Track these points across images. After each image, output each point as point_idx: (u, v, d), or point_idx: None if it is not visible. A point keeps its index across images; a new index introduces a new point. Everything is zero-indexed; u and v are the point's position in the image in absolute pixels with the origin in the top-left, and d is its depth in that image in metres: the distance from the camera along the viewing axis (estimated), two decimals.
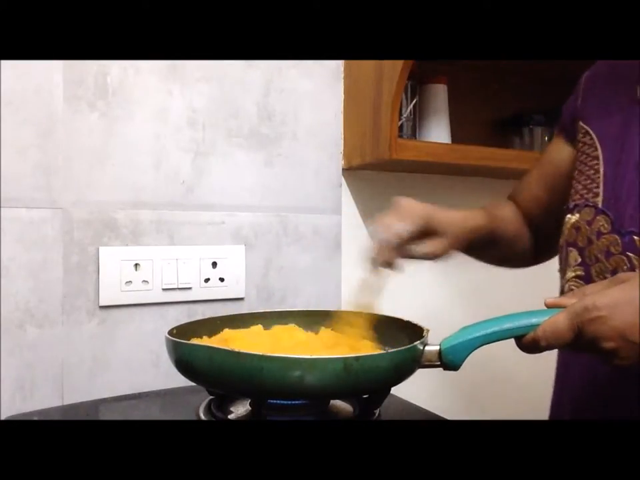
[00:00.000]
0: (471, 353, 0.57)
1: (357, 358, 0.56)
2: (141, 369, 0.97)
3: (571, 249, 0.65)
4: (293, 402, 0.68)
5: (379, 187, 1.18)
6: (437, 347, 0.58)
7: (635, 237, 0.58)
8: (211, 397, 0.71)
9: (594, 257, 0.62)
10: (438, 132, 1.16)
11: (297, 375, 0.54)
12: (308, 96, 1.10)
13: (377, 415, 0.68)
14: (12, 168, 0.87)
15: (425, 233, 0.64)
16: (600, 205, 0.63)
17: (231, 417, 0.69)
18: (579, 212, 0.65)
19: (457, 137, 1.19)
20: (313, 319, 0.77)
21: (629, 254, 0.58)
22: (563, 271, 0.69)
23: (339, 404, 0.73)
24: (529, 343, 0.54)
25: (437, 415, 0.77)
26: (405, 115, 1.14)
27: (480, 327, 0.57)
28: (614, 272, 0.59)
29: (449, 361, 0.58)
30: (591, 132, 0.68)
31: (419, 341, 0.59)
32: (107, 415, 0.83)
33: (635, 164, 0.61)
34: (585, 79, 0.74)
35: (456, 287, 1.23)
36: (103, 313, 0.94)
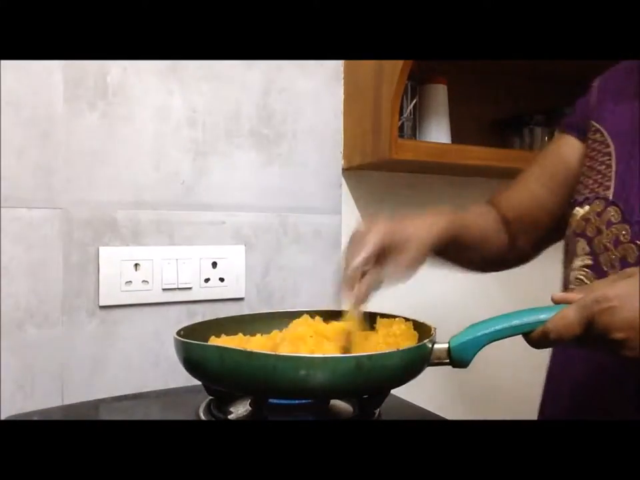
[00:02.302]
0: (479, 350, 0.57)
1: (369, 356, 0.56)
2: (141, 369, 0.97)
3: (578, 239, 0.67)
4: (294, 402, 0.68)
5: (379, 187, 1.18)
6: (446, 345, 0.58)
7: None
8: (211, 397, 0.71)
9: (602, 245, 0.64)
10: (438, 132, 1.16)
11: (310, 374, 0.54)
12: (308, 96, 1.10)
13: (377, 414, 0.68)
14: (12, 168, 0.87)
15: (389, 251, 0.63)
16: (611, 197, 0.65)
17: (230, 417, 0.69)
18: (589, 204, 0.67)
19: (456, 137, 1.19)
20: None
21: (638, 242, 0.61)
22: (569, 261, 0.70)
23: (339, 404, 0.73)
24: (538, 337, 0.54)
25: (437, 415, 0.77)
26: (404, 115, 1.14)
27: (488, 323, 0.57)
28: (622, 260, 0.62)
29: (458, 358, 0.58)
30: (602, 129, 0.70)
31: (427, 339, 0.59)
32: (106, 415, 0.83)
33: None
34: (600, 80, 0.76)
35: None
36: (103, 313, 0.94)
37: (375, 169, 1.15)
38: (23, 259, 0.88)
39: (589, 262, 0.66)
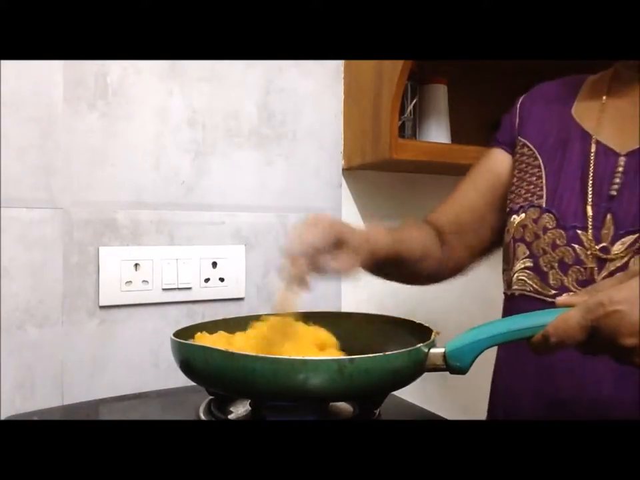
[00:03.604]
0: (478, 355, 0.55)
1: (351, 360, 0.54)
2: (141, 369, 0.97)
3: (518, 244, 0.72)
4: (289, 403, 0.68)
5: (379, 187, 1.18)
6: (442, 350, 0.56)
7: (578, 231, 0.67)
8: (211, 397, 0.71)
9: (541, 249, 0.69)
10: (438, 132, 1.16)
11: (289, 376, 0.53)
12: (308, 96, 1.10)
13: (376, 414, 0.68)
14: (12, 168, 0.87)
15: (335, 246, 0.64)
16: (544, 206, 0.70)
17: (230, 417, 0.69)
18: (524, 212, 0.72)
19: (456, 137, 1.19)
20: (331, 320, 0.75)
21: (574, 245, 0.67)
22: (509, 265, 0.74)
23: (339, 404, 0.73)
24: (539, 342, 0.52)
25: (437, 415, 0.77)
26: (405, 115, 1.14)
27: (487, 328, 0.55)
28: (560, 261, 0.67)
29: (455, 364, 0.56)
30: (530, 144, 0.76)
31: (422, 344, 0.57)
32: (106, 415, 0.83)
33: (574, 173, 0.69)
34: (521, 101, 0.82)
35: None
36: (103, 313, 0.94)
37: (375, 169, 1.15)
38: (23, 259, 0.88)
39: (530, 264, 0.70)
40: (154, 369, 0.98)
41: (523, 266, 0.71)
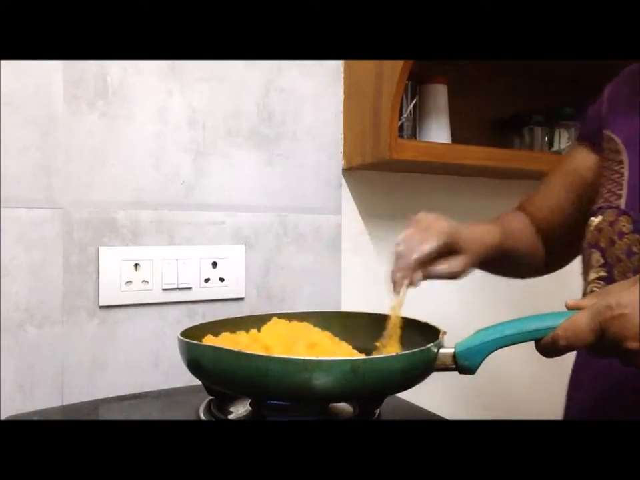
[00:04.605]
0: (487, 356, 0.56)
1: (364, 360, 0.55)
2: (141, 369, 0.97)
3: (593, 250, 0.65)
4: (298, 402, 0.68)
5: (379, 187, 1.18)
6: (452, 350, 0.57)
7: None
8: (211, 397, 0.71)
9: (616, 257, 0.62)
10: (438, 132, 1.16)
11: (302, 376, 0.53)
12: (308, 96, 1.10)
13: (377, 415, 0.68)
14: (12, 168, 0.87)
15: (447, 250, 0.63)
16: (623, 207, 0.63)
17: (231, 417, 0.69)
18: (602, 214, 0.65)
19: (456, 137, 1.19)
20: (335, 320, 0.75)
21: None
22: (585, 273, 0.68)
23: (339, 404, 0.73)
24: (548, 344, 0.52)
25: (437, 415, 0.77)
26: (405, 115, 1.14)
27: (496, 329, 0.56)
28: (636, 271, 0.59)
29: (464, 364, 0.56)
30: (615, 138, 0.69)
31: (432, 344, 0.57)
32: (106, 414, 0.83)
33: None
34: (609, 88, 0.75)
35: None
36: (103, 313, 0.94)
37: (375, 169, 1.15)
38: (23, 259, 0.88)
39: (604, 274, 0.64)
40: (154, 368, 0.98)
41: (596, 276, 0.65)
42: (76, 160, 0.92)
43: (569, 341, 0.50)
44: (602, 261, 0.64)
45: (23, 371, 0.89)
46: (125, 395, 0.88)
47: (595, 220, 0.66)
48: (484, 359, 0.56)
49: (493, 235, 0.69)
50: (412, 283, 0.62)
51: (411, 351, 0.57)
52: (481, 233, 0.68)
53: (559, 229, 0.78)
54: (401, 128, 1.11)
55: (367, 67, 1.06)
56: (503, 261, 0.73)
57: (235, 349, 0.57)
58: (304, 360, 0.54)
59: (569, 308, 0.53)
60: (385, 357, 0.56)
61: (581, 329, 0.49)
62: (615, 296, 0.49)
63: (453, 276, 0.64)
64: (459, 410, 1.25)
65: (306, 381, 0.53)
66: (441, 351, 0.58)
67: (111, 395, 0.88)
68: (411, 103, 1.14)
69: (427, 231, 0.63)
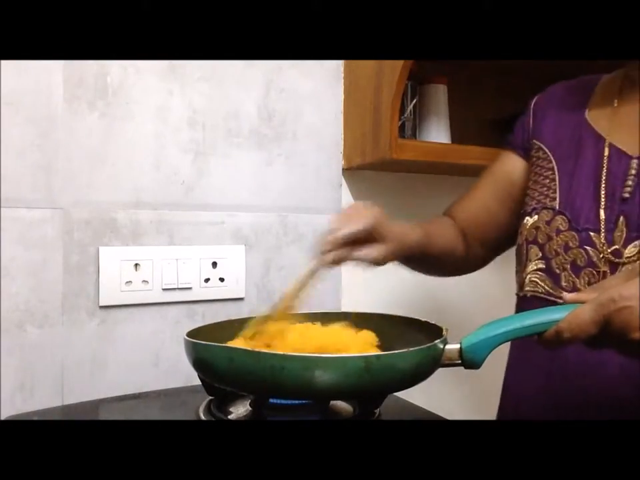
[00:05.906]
0: (492, 350, 0.57)
1: (378, 356, 0.56)
2: (141, 368, 0.97)
3: (531, 245, 0.73)
4: (294, 402, 0.68)
5: (379, 187, 1.18)
6: (458, 346, 0.58)
7: (591, 233, 0.67)
8: (211, 397, 0.71)
9: (554, 251, 0.70)
10: (438, 132, 1.16)
11: (318, 374, 0.54)
12: (308, 96, 1.10)
13: (377, 414, 0.68)
14: (12, 168, 0.87)
15: (371, 237, 0.67)
16: (557, 208, 0.71)
17: (231, 417, 0.69)
18: (537, 214, 0.73)
19: (456, 137, 1.19)
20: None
21: (586, 247, 0.67)
22: (522, 266, 0.75)
23: (339, 404, 0.73)
24: (551, 337, 0.54)
25: (437, 415, 0.77)
26: (405, 115, 1.14)
27: (500, 324, 0.57)
28: (573, 263, 0.68)
29: (470, 359, 0.57)
30: (544, 147, 0.77)
31: (439, 340, 0.59)
32: (106, 415, 0.83)
33: (588, 176, 0.70)
34: (535, 102, 0.83)
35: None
36: (103, 313, 0.94)
37: (375, 169, 1.15)
38: (23, 259, 0.88)
39: (542, 265, 0.71)
40: (154, 369, 0.98)
41: (535, 267, 0.72)
42: (76, 160, 0.92)
43: (573, 333, 0.52)
44: (540, 254, 0.72)
45: (22, 371, 0.89)
46: (125, 395, 0.88)
47: (531, 219, 0.74)
48: (489, 354, 0.57)
49: (415, 232, 0.74)
50: (334, 261, 0.66)
51: (419, 347, 0.58)
52: (405, 228, 0.73)
53: (483, 227, 0.85)
54: (401, 128, 1.11)
55: (367, 66, 1.06)
56: (424, 259, 0.79)
57: (251, 349, 0.57)
58: (318, 357, 0.55)
59: (567, 302, 0.55)
60: (398, 352, 0.57)
61: (584, 322, 0.51)
62: (616, 289, 0.51)
63: (372, 262, 0.68)
64: (459, 410, 1.25)
65: (320, 378, 0.54)
66: (447, 346, 0.59)
67: (110, 395, 0.88)
68: (411, 103, 1.14)
69: (357, 215, 0.68)
